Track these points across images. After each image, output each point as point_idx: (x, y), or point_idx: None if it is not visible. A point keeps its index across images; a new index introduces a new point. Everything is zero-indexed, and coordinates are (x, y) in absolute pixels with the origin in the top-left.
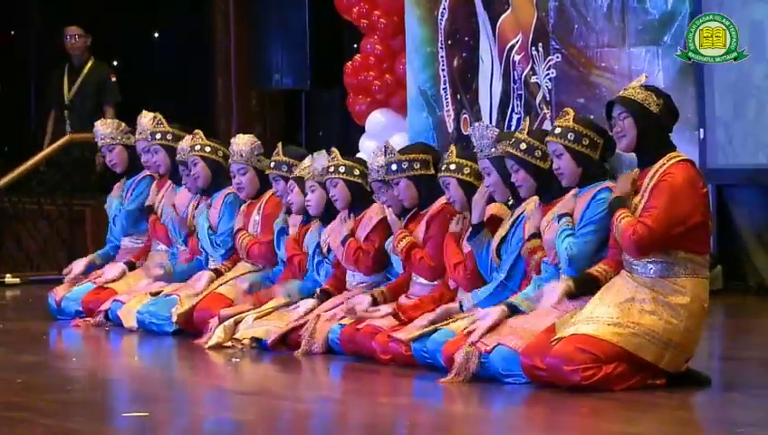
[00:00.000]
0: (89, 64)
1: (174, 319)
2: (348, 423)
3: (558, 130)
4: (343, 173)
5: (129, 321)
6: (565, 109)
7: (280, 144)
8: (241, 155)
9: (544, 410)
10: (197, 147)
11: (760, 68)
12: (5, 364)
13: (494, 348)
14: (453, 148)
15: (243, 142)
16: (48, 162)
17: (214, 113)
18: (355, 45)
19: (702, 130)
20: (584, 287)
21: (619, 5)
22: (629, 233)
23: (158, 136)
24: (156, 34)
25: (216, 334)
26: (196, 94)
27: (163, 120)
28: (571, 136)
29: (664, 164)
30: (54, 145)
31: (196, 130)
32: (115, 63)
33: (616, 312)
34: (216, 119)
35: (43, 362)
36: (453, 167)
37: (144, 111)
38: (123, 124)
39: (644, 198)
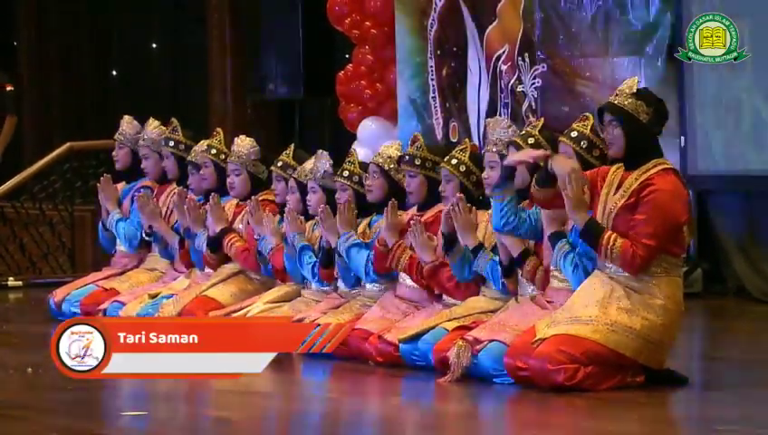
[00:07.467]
0: None
1: None
2: (338, 423)
3: (574, 134)
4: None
5: None
6: (586, 114)
7: (292, 145)
8: (239, 156)
9: (532, 409)
10: (213, 150)
11: (737, 80)
12: (7, 364)
13: (485, 345)
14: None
15: (243, 145)
16: (50, 169)
17: (210, 122)
18: (347, 55)
19: (683, 137)
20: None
21: (602, 17)
22: (629, 257)
23: (171, 143)
24: (154, 45)
25: None
26: (193, 104)
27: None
28: (584, 143)
29: (649, 169)
30: (54, 153)
31: (172, 119)
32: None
33: (594, 311)
34: (212, 127)
35: (43, 362)
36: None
37: (151, 119)
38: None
39: (624, 198)
